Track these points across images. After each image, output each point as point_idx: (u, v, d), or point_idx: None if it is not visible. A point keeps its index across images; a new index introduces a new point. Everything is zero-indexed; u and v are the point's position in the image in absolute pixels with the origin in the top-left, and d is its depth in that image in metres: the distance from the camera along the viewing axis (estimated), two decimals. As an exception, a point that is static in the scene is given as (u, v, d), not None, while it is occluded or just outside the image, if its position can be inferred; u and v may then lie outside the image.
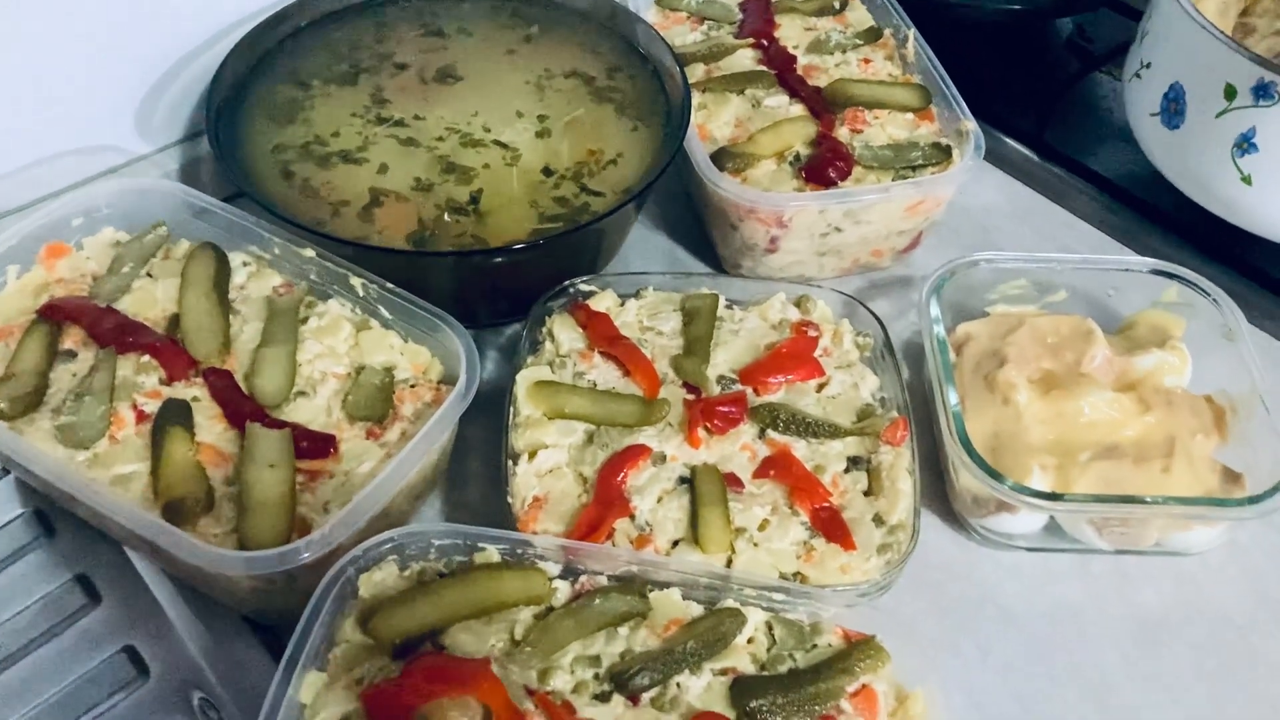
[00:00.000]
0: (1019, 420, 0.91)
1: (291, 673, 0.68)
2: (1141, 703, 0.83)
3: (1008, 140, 1.27)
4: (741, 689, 0.70)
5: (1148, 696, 0.84)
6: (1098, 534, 0.89)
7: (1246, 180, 1.03)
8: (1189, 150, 1.07)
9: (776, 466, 0.84)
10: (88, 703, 0.80)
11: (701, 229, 1.12)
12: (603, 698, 0.69)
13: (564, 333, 0.93)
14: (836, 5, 1.22)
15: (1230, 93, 1.00)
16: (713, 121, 1.08)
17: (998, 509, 0.88)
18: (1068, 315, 0.99)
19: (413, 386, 0.87)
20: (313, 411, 0.85)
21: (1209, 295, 0.97)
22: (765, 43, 1.16)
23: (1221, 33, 1.00)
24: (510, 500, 0.82)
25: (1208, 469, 0.89)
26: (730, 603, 0.74)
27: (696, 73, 1.13)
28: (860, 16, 1.22)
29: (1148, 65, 1.11)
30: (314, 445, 0.82)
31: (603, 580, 0.75)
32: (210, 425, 0.83)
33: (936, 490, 0.94)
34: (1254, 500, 0.84)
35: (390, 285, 0.89)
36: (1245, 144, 1.01)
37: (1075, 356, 0.95)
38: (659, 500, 0.82)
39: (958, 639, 0.86)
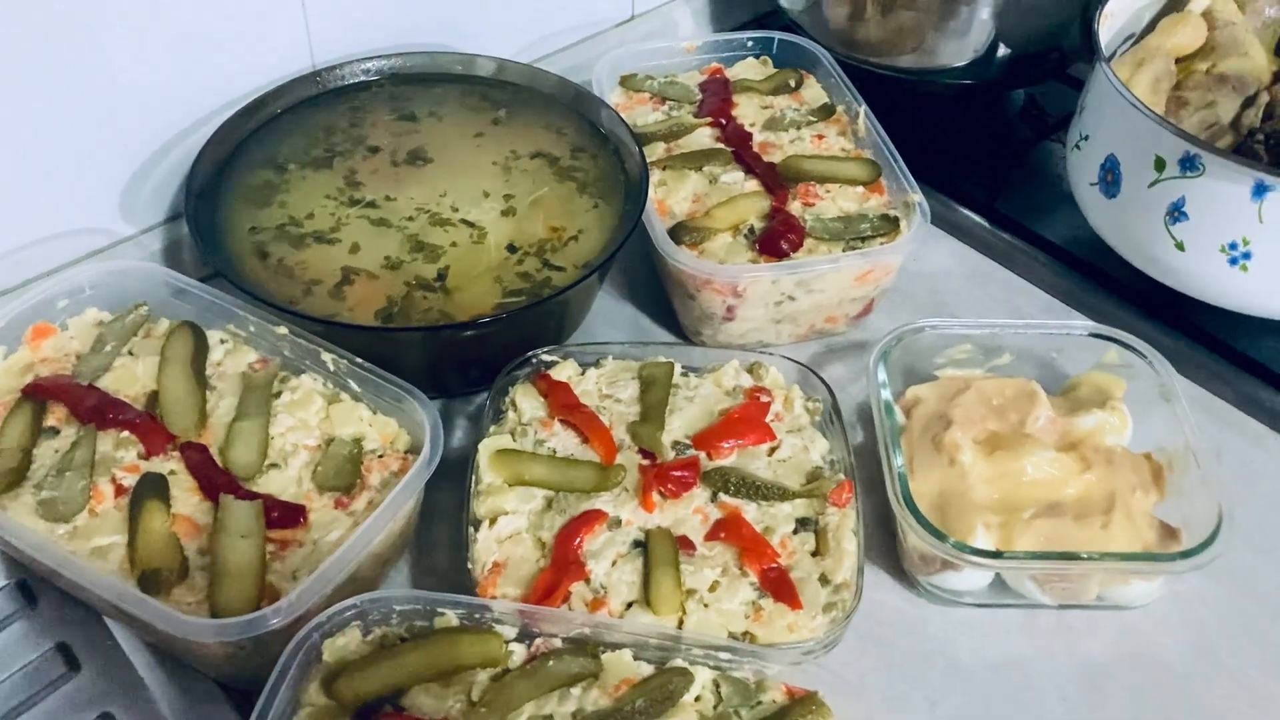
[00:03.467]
0: (964, 480, 0.94)
1: (257, 736, 0.71)
2: (1085, 750, 0.86)
3: (961, 209, 1.31)
4: (687, 745, 0.73)
5: (1091, 745, 0.87)
6: (1040, 589, 0.92)
7: (1180, 246, 1.08)
8: (1126, 218, 1.12)
9: (727, 529, 0.88)
10: (66, 769, 0.83)
11: (666, 299, 1.17)
12: (555, 756, 0.72)
13: (526, 402, 0.97)
14: (792, 84, 1.28)
15: (1160, 165, 1.06)
16: (672, 197, 1.13)
17: (944, 567, 0.91)
18: (1012, 378, 1.03)
19: (380, 457, 0.91)
20: (284, 482, 0.88)
21: (1145, 357, 1.01)
22: (723, 121, 1.22)
23: (1149, 109, 1.05)
24: (470, 566, 0.86)
25: (1147, 524, 0.93)
26: (679, 662, 0.77)
27: (657, 151, 1.18)
28: (815, 94, 1.28)
29: (1086, 138, 1.17)
30: (284, 515, 0.85)
31: (557, 642, 0.78)
32: (186, 497, 0.87)
33: (888, 549, 0.97)
34: (1186, 554, 0.87)
35: (359, 360, 0.93)
36: (1176, 212, 1.06)
37: (1019, 417, 0.99)
38: (614, 564, 0.85)
39: (907, 692, 0.89)
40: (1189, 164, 1.03)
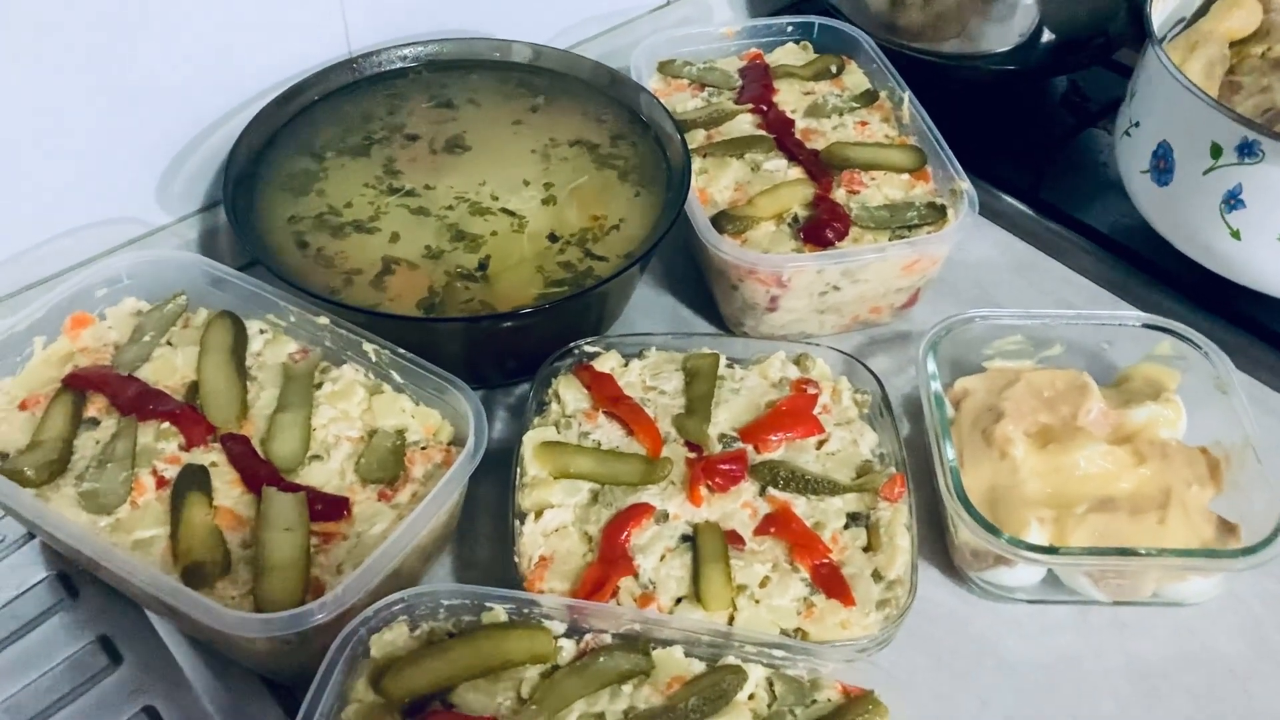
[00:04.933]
0: (1016, 474, 0.92)
1: (305, 732, 0.70)
2: (1141, 752, 0.85)
3: (1004, 197, 1.29)
4: (742, 745, 0.71)
5: (1147, 746, 0.85)
6: (1095, 586, 0.90)
7: (1235, 235, 1.05)
8: (1179, 206, 1.10)
9: (777, 524, 0.86)
10: (108, 762, 0.83)
11: (705, 289, 1.15)
12: (607, 755, 0.71)
13: (569, 393, 0.95)
14: (834, 70, 1.26)
15: (1216, 151, 1.03)
16: (713, 185, 1.11)
17: (996, 562, 0.89)
18: (1063, 370, 1.01)
19: (423, 448, 0.90)
20: (327, 474, 0.87)
21: (1200, 348, 0.99)
22: (764, 108, 1.20)
23: (1204, 93, 1.03)
24: (517, 559, 0.84)
25: (1203, 520, 0.91)
26: (731, 659, 0.76)
27: (697, 138, 1.16)
28: (857, 80, 1.26)
29: (1137, 124, 1.14)
30: (328, 508, 0.84)
31: (607, 638, 0.77)
32: (228, 490, 0.86)
33: (937, 544, 0.96)
34: (1247, 551, 0.85)
35: (401, 350, 0.92)
36: (1233, 200, 1.04)
37: (1071, 410, 0.97)
38: (662, 558, 0.84)
39: (957, 691, 0.87)
40: (1247, 150, 1.00)
